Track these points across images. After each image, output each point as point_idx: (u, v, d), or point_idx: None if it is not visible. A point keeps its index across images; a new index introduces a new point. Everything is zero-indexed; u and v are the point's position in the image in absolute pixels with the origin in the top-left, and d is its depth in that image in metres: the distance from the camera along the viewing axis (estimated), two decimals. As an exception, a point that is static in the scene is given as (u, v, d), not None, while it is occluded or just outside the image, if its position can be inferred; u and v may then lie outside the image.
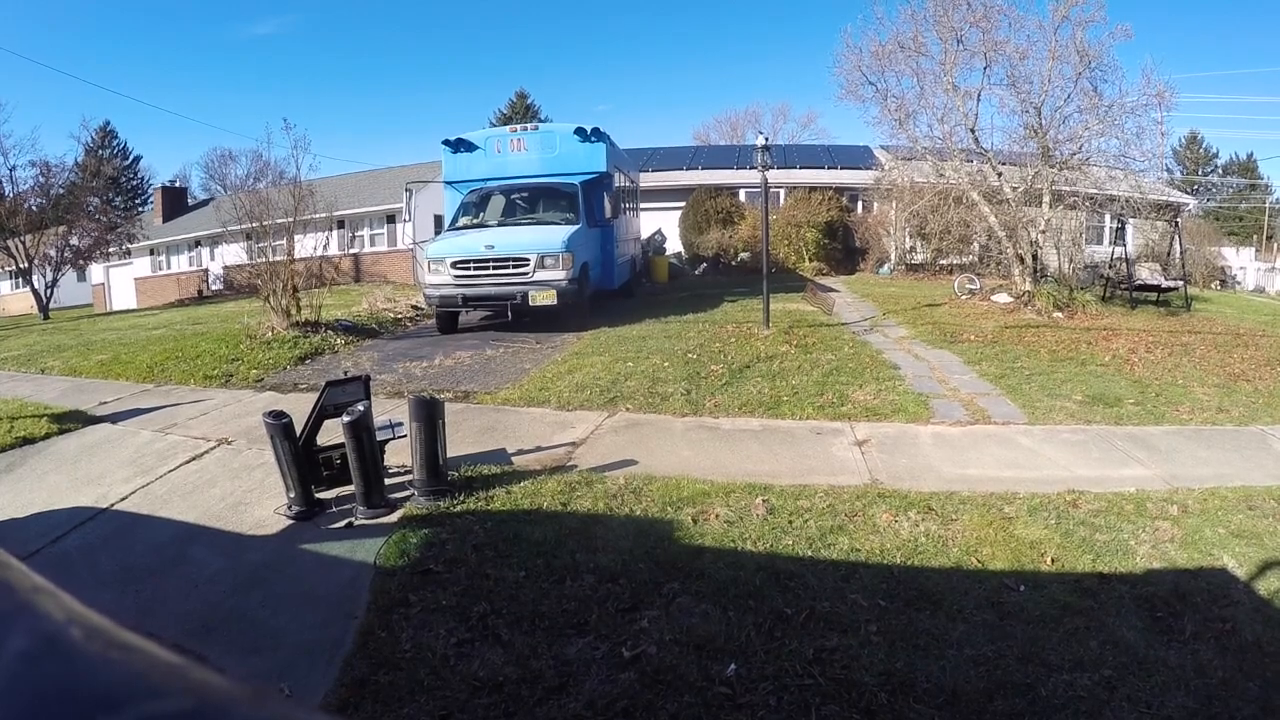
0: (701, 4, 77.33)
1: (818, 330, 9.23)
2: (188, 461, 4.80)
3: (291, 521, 3.82)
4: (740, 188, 21.53)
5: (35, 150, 36.93)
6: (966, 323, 10.11)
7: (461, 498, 3.96)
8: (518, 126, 12.59)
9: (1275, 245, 35.38)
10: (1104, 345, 8.45)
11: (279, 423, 3.80)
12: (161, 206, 30.74)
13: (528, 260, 9.15)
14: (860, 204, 21.83)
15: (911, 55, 12.63)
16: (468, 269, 9.32)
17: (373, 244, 23.47)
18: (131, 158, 45.39)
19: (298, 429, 3.91)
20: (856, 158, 23.45)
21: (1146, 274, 13.67)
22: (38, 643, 0.38)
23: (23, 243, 20.67)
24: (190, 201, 32.95)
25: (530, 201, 11.03)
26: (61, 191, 22.48)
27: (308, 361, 8.11)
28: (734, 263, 19.65)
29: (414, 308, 12.04)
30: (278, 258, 9.47)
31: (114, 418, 5.91)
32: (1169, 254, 15.27)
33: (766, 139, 9.70)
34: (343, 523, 3.80)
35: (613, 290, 11.99)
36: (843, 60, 13.35)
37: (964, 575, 3.18)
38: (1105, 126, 11.96)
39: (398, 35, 76.71)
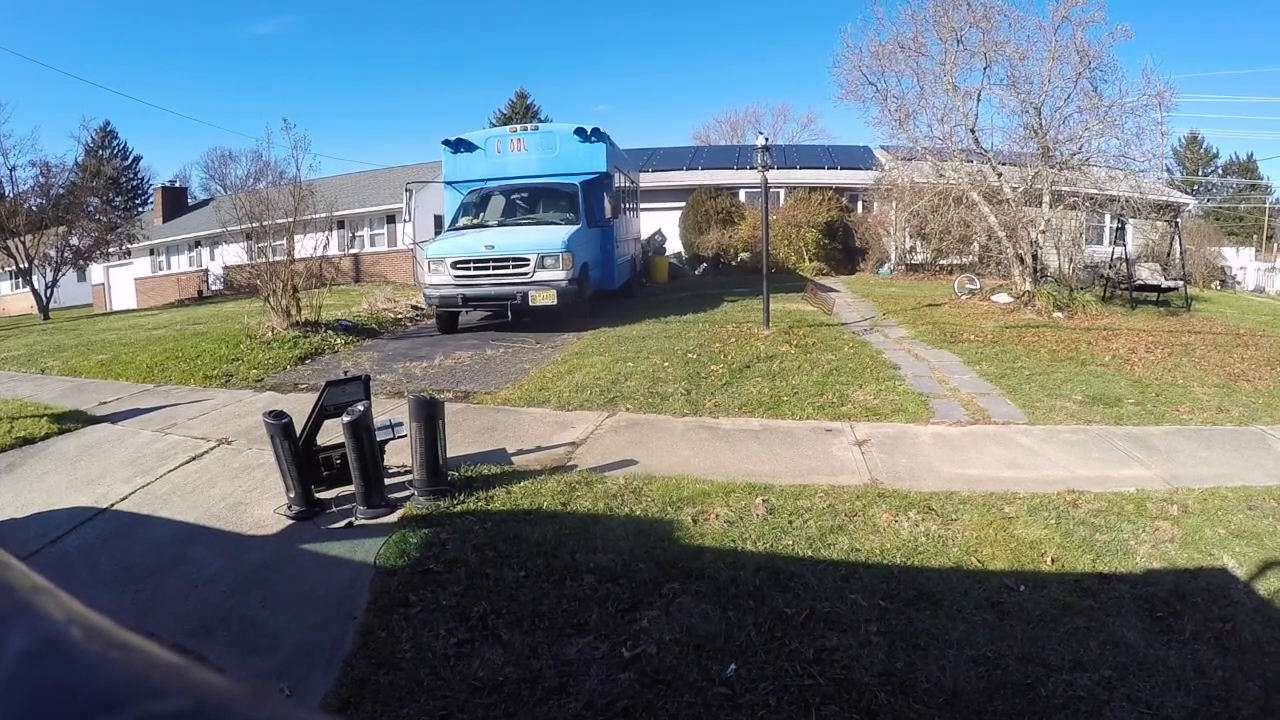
0: (701, 4, 77.43)
1: (818, 330, 9.23)
2: (188, 461, 4.80)
3: (291, 521, 3.82)
4: (740, 188, 21.53)
5: (35, 150, 37.11)
6: (966, 323, 10.11)
7: (461, 498, 3.96)
8: (518, 127, 12.59)
9: (1275, 245, 35.39)
10: (1104, 345, 8.45)
11: (279, 423, 3.80)
12: (161, 206, 30.73)
13: (528, 260, 9.15)
14: (860, 204, 21.83)
15: (911, 55, 12.63)
16: (468, 269, 9.33)
17: (373, 244, 23.46)
18: (131, 158, 45.41)
19: (298, 429, 3.91)
20: (856, 158, 23.46)
21: (1146, 274, 13.66)
22: (38, 643, 0.38)
23: (23, 243, 20.67)
24: (190, 202, 32.95)
25: (530, 202, 11.03)
26: (61, 191, 22.48)
27: (308, 361, 8.11)
28: (734, 263, 19.65)
29: (414, 308, 12.04)
30: (278, 258, 9.47)
31: (114, 418, 5.91)
32: (1169, 254, 15.26)
33: (766, 139, 9.70)
34: (343, 523, 3.80)
35: (613, 290, 11.99)
36: (843, 60, 13.36)
37: (964, 575, 3.18)
38: (1105, 127, 11.97)
39: (398, 35, 76.80)
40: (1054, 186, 12.47)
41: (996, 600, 2.97)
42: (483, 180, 11.32)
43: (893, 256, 20.56)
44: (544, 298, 9.00)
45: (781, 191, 21.25)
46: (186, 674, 0.39)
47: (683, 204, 20.87)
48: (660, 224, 20.00)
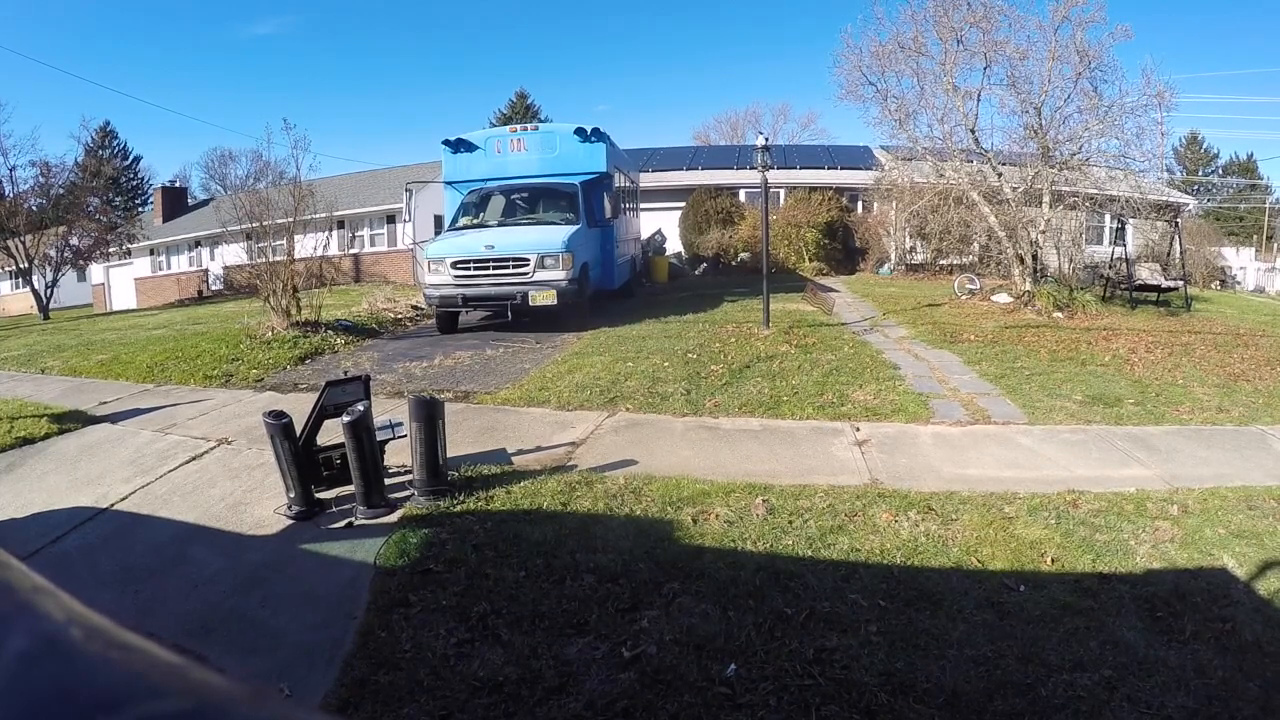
0: (701, 4, 77.42)
1: (818, 330, 9.23)
2: (188, 461, 4.80)
3: (291, 521, 3.82)
4: (740, 188, 21.53)
5: (35, 150, 37.05)
6: (966, 323, 10.11)
7: (461, 498, 3.96)
8: (518, 127, 12.59)
9: (1275, 245, 35.39)
10: (1104, 345, 8.45)
11: (279, 423, 3.80)
12: (161, 207, 30.74)
13: (528, 260, 9.15)
14: (860, 204, 21.84)
15: (911, 55, 12.63)
16: (468, 269, 9.33)
17: (373, 244, 23.47)
18: (131, 158, 45.42)
19: (298, 429, 3.91)
20: (856, 158, 23.46)
21: (1146, 274, 13.66)
22: (38, 643, 0.38)
23: (23, 243, 20.67)
24: (190, 202, 32.96)
25: (530, 202, 11.03)
26: (61, 191, 22.49)
27: (308, 361, 8.11)
28: (734, 263, 19.65)
29: (414, 308, 12.04)
30: (278, 258, 9.47)
31: (114, 418, 5.91)
32: (1169, 254, 15.26)
33: (766, 139, 9.70)
34: (343, 523, 3.80)
35: (613, 290, 11.99)
36: (843, 60, 13.36)
37: (964, 575, 3.18)
38: (1105, 127, 11.97)
39: (398, 35, 76.82)
40: (1054, 186, 12.47)
41: (996, 600, 2.97)
42: (483, 180, 11.32)
43: (893, 256, 20.56)
44: (544, 298, 9.00)
45: (781, 191, 21.25)
46: (186, 674, 0.39)
47: (683, 204, 20.87)
48: (660, 224, 20.00)
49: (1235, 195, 47.31)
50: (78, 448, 5.19)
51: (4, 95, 52.78)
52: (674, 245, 20.59)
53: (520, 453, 4.79)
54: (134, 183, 44.90)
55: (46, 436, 5.39)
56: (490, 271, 9.27)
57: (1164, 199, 17.24)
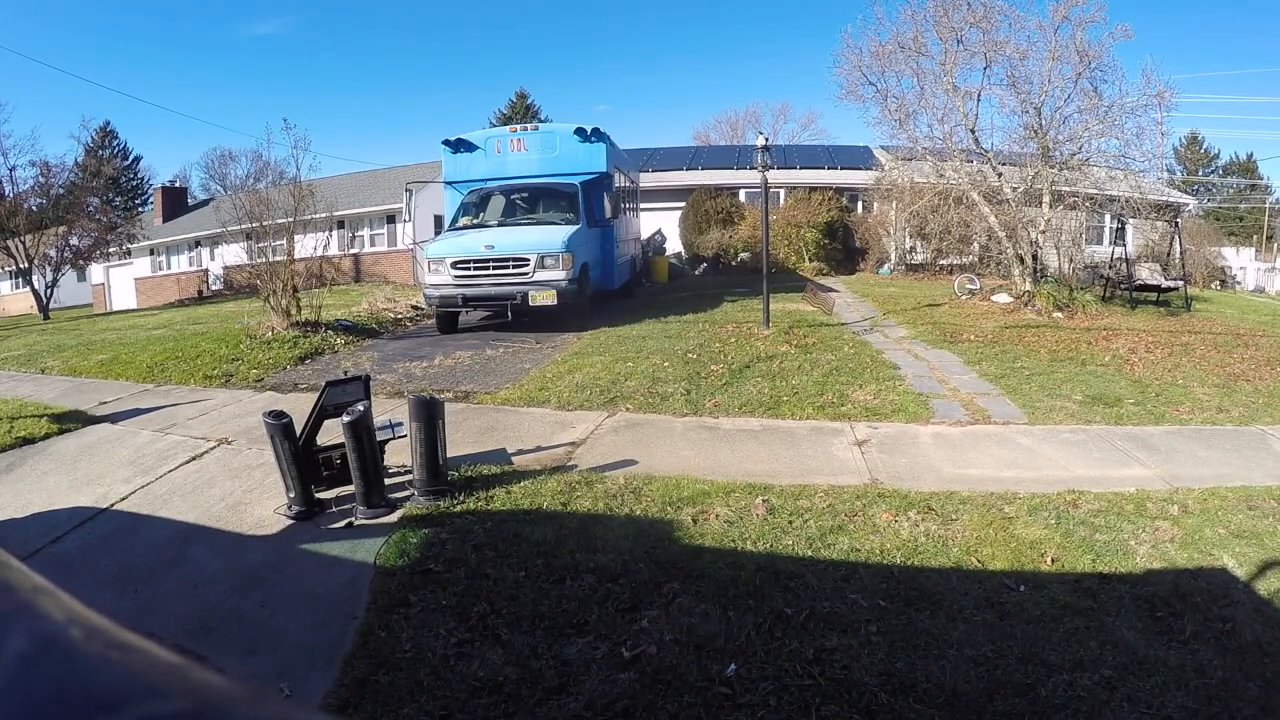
0: (701, 4, 77.43)
1: (818, 330, 9.22)
2: (187, 461, 4.80)
3: (291, 521, 3.82)
4: (740, 188, 21.53)
5: (35, 150, 37.06)
6: (966, 323, 10.11)
7: (461, 498, 3.96)
8: (518, 127, 12.59)
9: (1275, 245, 35.38)
10: (1104, 345, 8.45)
11: (279, 423, 3.80)
12: (161, 207, 30.75)
13: (528, 260, 9.15)
14: (860, 204, 21.84)
15: (911, 55, 12.63)
16: (468, 269, 9.33)
17: (373, 244, 23.47)
18: (131, 158, 45.41)
19: (298, 429, 3.91)
20: (856, 158, 23.46)
21: (1146, 274, 13.66)
22: (38, 643, 0.38)
23: (23, 243, 20.68)
24: (190, 201, 32.97)
25: (530, 202, 11.03)
26: (61, 191, 22.49)
27: (308, 361, 8.11)
28: (734, 263, 19.65)
29: (414, 308, 12.05)
30: (278, 258, 9.47)
31: (114, 418, 5.91)
32: (1169, 254, 15.26)
33: (766, 139, 9.70)
34: (343, 523, 3.80)
35: (613, 290, 11.99)
36: (843, 60, 13.35)
37: (964, 575, 3.18)
38: (1105, 127, 11.97)
39: (398, 35, 76.86)
40: (1054, 186, 12.47)
41: (996, 600, 2.97)
42: (483, 180, 11.32)
43: (893, 256, 20.56)
44: (544, 298, 9.00)
45: (781, 191, 21.25)
46: (186, 674, 0.39)
47: (683, 204, 20.87)
48: (660, 224, 20.00)
49: (1235, 195, 47.33)
50: (78, 448, 5.19)
51: (4, 95, 52.81)
52: (674, 245, 20.59)
53: (520, 453, 4.79)
54: (134, 183, 44.89)
55: (47, 436, 5.39)
56: (490, 271, 9.27)
57: (1164, 199, 17.25)
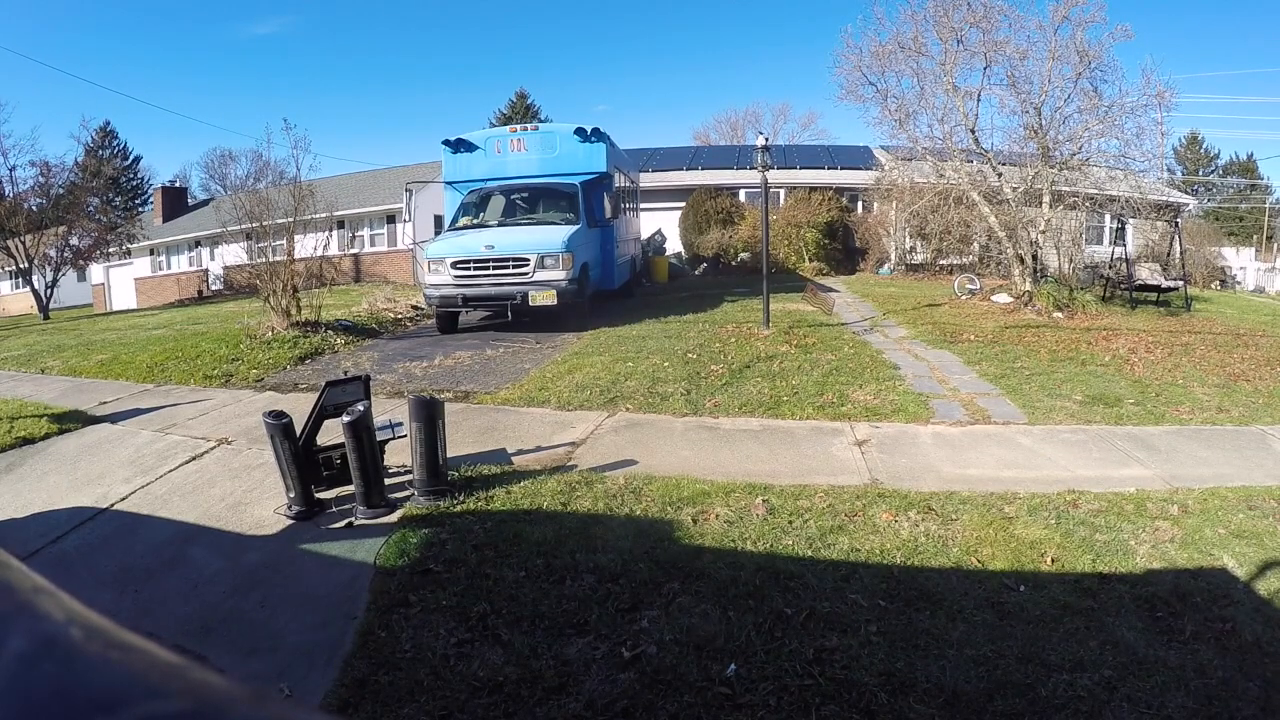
0: (701, 4, 77.43)
1: (818, 330, 9.22)
2: (187, 461, 4.80)
3: (291, 521, 3.82)
4: (740, 188, 21.54)
5: (35, 150, 37.05)
6: (966, 323, 10.11)
7: (461, 498, 3.96)
8: (518, 127, 12.59)
9: (1275, 245, 35.39)
10: (1104, 345, 8.45)
11: (279, 423, 3.80)
12: (161, 207, 30.75)
13: (528, 260, 9.15)
14: (860, 204, 21.85)
15: (911, 55, 12.63)
16: (468, 269, 9.33)
17: (373, 244, 23.48)
18: (131, 158, 45.40)
19: (298, 429, 3.91)
20: (856, 158, 23.47)
21: (1146, 274, 13.66)
22: (37, 643, 0.38)
23: (23, 243, 20.67)
24: (190, 201, 32.98)
25: (530, 202, 11.03)
26: (61, 191, 22.49)
27: (308, 361, 8.11)
28: (734, 263, 19.66)
29: (414, 308, 12.04)
30: (278, 258, 9.47)
31: (114, 418, 5.91)
32: (1169, 254, 15.26)
33: (766, 139, 9.70)
34: (343, 523, 3.80)
35: (613, 290, 11.99)
36: (843, 60, 13.35)
37: (964, 575, 3.18)
38: (1105, 127, 11.97)
39: (398, 35, 76.85)
40: (1054, 186, 12.48)
41: (996, 600, 2.97)
42: (483, 180, 11.32)
43: (893, 256, 20.57)
44: (544, 298, 9.00)
45: (781, 191, 21.26)
46: (186, 674, 0.39)
47: (683, 204, 20.87)
48: (660, 224, 20.01)
49: (1235, 195, 47.34)
50: (78, 448, 5.19)
51: (4, 95, 52.84)
52: (674, 245, 20.59)
53: (520, 453, 4.79)
54: (134, 183, 44.89)
55: (46, 436, 5.39)
56: (490, 271, 9.27)
57: (1164, 199, 17.25)
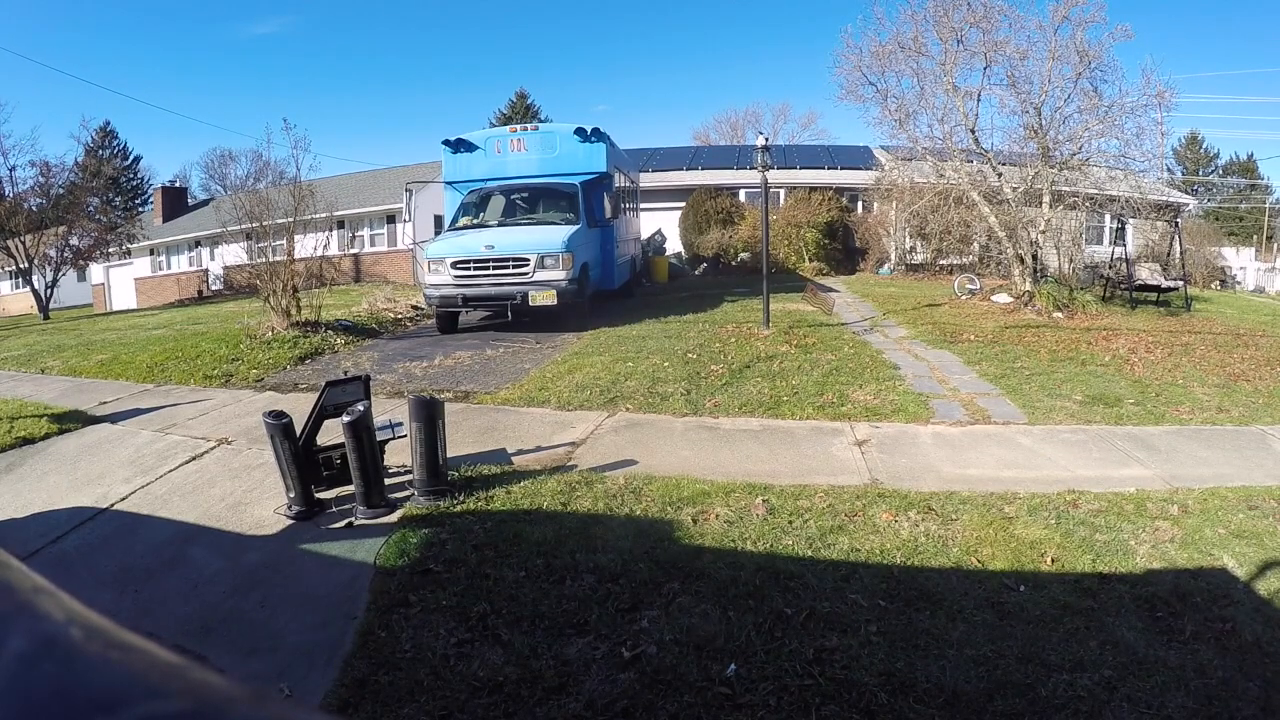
0: (701, 4, 77.44)
1: (818, 330, 9.22)
2: (187, 461, 4.80)
3: (291, 521, 3.82)
4: (740, 188, 21.54)
5: (35, 150, 37.10)
6: (966, 323, 10.11)
7: (461, 498, 3.96)
8: (518, 127, 12.59)
9: (1275, 245, 35.39)
10: (1104, 345, 8.45)
11: (279, 423, 3.80)
12: (161, 207, 30.75)
13: (528, 260, 9.15)
14: (860, 204, 21.85)
15: (911, 55, 12.63)
16: (468, 269, 9.33)
17: (373, 244, 23.48)
18: (131, 158, 45.41)
19: (298, 429, 3.91)
20: (856, 158, 23.47)
21: (1146, 274, 13.66)
22: (37, 643, 0.38)
23: (23, 243, 20.67)
24: (190, 202, 32.98)
25: (530, 202, 11.03)
26: (61, 191, 22.49)
27: (308, 361, 8.11)
28: (734, 263, 19.66)
29: (414, 308, 12.04)
30: (278, 258, 9.47)
31: (114, 418, 5.91)
32: (1169, 254, 15.26)
33: (766, 139, 9.70)
34: (343, 523, 3.80)
35: (613, 290, 11.99)
36: (843, 60, 13.35)
37: (964, 575, 3.18)
38: (1105, 127, 11.97)
39: (398, 35, 76.83)
40: (1054, 186, 12.47)
41: (996, 600, 2.97)
42: (483, 180, 11.32)
43: (893, 256, 20.56)
44: (544, 298, 9.00)
45: (781, 191, 21.26)
46: (186, 674, 0.39)
47: (683, 204, 20.87)
48: (660, 224, 20.00)
49: (1235, 195, 47.35)
50: (78, 448, 5.19)
51: (4, 95, 52.85)
52: (674, 245, 20.59)
53: (520, 453, 4.79)
54: (134, 183, 44.89)
55: (46, 436, 5.39)
56: (490, 271, 9.27)
57: (1164, 199, 17.25)
